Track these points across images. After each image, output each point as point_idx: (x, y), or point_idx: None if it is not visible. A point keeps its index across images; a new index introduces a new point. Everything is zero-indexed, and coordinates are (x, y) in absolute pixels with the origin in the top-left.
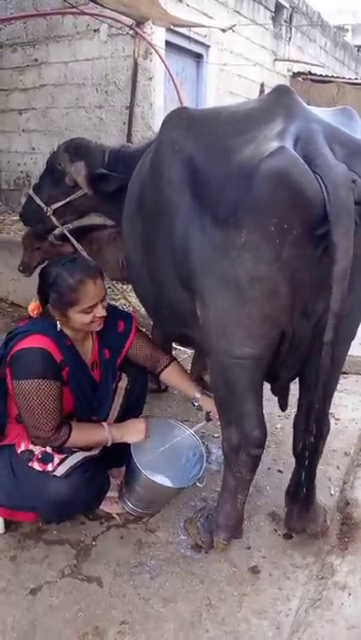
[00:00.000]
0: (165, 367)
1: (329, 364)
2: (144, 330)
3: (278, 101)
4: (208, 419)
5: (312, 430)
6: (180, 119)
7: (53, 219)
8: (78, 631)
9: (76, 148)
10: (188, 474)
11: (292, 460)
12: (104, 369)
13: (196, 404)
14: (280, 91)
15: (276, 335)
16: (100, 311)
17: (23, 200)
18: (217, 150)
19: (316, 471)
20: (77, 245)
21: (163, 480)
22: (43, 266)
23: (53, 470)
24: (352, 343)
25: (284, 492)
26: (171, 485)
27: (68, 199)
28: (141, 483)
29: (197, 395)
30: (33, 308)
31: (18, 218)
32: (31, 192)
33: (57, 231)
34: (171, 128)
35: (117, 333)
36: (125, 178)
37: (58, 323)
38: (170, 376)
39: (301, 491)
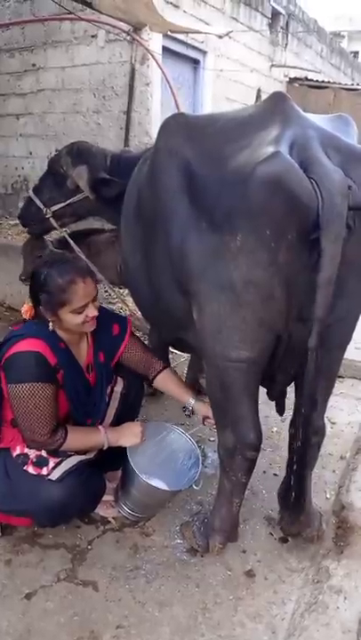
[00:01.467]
0: (158, 373)
1: (313, 368)
2: (141, 333)
3: (275, 108)
4: (203, 423)
5: (299, 435)
6: (178, 125)
7: (52, 221)
8: (73, 635)
9: (79, 152)
10: (184, 477)
11: None
12: (99, 372)
13: (189, 408)
14: (276, 97)
15: (272, 339)
16: (92, 311)
17: (21, 204)
18: (213, 156)
19: (308, 477)
20: (77, 249)
21: (159, 483)
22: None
23: (48, 474)
24: (350, 348)
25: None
26: (167, 488)
27: (68, 202)
28: (138, 486)
29: (191, 400)
30: (26, 310)
31: (15, 222)
32: (31, 193)
33: (56, 233)
34: (168, 133)
35: (112, 336)
36: (126, 183)
37: (50, 324)
38: (163, 382)
39: (290, 495)
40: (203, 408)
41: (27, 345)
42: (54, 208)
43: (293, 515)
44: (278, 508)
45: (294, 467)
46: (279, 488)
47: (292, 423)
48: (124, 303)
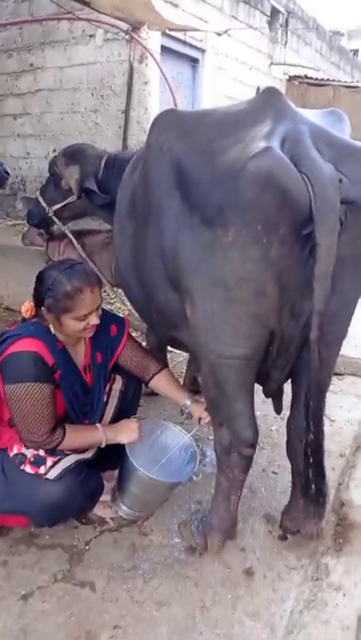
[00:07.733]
0: (155, 375)
1: (318, 361)
2: (138, 333)
3: (266, 103)
4: (199, 423)
5: (311, 427)
6: (168, 121)
7: (55, 219)
8: (70, 636)
9: (73, 153)
10: (183, 471)
11: (287, 462)
12: (96, 372)
13: (186, 411)
14: (268, 93)
15: (266, 335)
16: (94, 319)
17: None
18: (205, 151)
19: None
20: (77, 246)
21: (158, 476)
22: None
23: (46, 473)
24: (349, 345)
25: (285, 492)
26: (166, 480)
27: (65, 202)
28: (137, 481)
29: (187, 402)
30: (27, 308)
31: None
32: (37, 194)
33: (55, 229)
34: (159, 130)
35: (110, 337)
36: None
37: (51, 327)
38: (159, 384)
39: (310, 489)
40: (198, 409)
41: (24, 345)
42: (54, 208)
43: (316, 509)
44: (284, 505)
45: (310, 460)
46: (301, 485)
47: (290, 420)
48: (123, 303)
